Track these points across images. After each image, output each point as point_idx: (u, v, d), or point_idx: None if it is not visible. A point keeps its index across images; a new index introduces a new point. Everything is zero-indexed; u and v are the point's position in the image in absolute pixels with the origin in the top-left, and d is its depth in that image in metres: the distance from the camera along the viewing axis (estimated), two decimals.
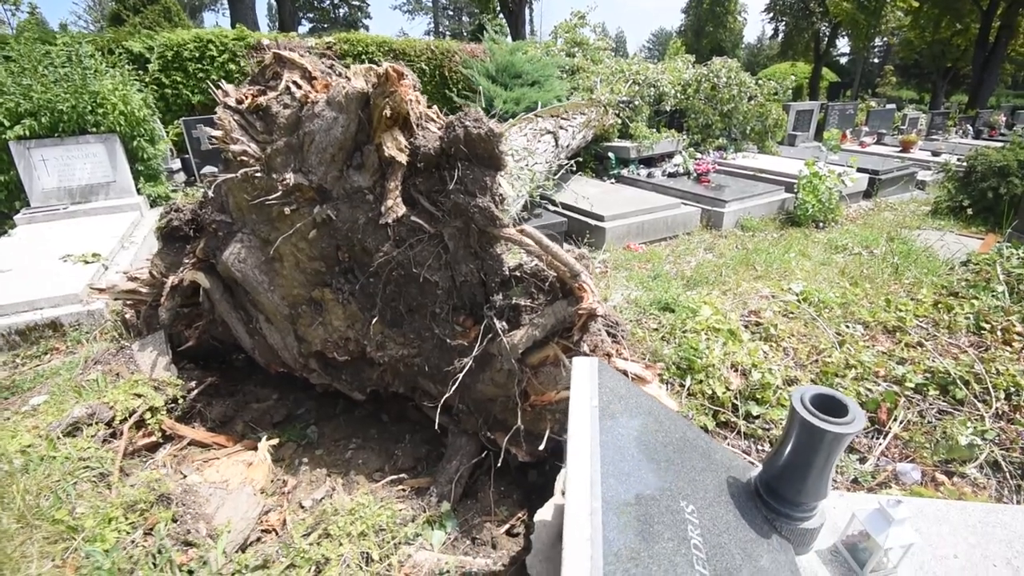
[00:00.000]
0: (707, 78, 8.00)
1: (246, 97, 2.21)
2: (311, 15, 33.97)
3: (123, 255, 4.28)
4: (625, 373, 1.94)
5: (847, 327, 2.91)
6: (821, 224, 5.83)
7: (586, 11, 9.85)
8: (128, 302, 3.13)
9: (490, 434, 2.34)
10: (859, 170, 6.91)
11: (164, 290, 2.65)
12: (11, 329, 3.19)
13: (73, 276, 3.61)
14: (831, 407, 1.28)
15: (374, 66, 2.01)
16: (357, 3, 32.96)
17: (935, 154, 9.37)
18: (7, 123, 4.78)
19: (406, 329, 2.27)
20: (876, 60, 30.56)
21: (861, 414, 1.27)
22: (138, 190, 5.56)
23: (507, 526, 2.11)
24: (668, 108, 8.08)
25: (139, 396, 2.35)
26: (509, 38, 23.79)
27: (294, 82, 2.17)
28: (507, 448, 2.32)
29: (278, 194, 2.12)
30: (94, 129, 5.16)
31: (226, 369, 3.19)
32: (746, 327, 2.83)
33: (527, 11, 19.85)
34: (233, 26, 8.84)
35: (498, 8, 20.15)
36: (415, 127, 2.01)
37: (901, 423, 2.28)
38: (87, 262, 3.87)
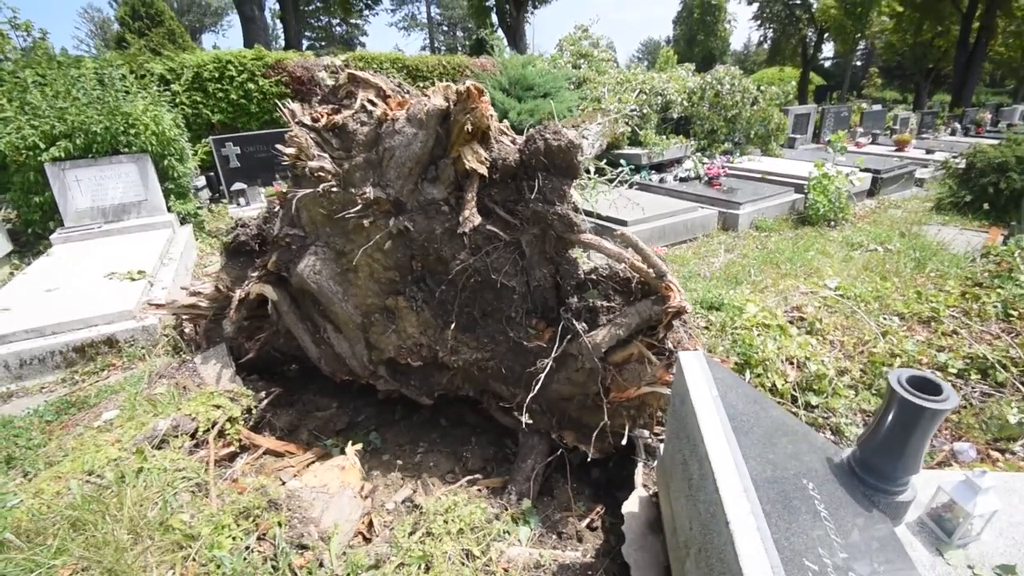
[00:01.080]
0: (711, 86, 8.21)
1: (321, 115, 2.32)
2: (309, 33, 34.31)
3: (164, 271, 4.35)
4: None
5: (884, 319, 3.04)
6: (832, 223, 5.99)
7: (588, 24, 10.07)
8: (186, 317, 3.21)
9: (561, 433, 2.43)
10: (862, 170, 7.11)
11: (232, 303, 2.73)
12: (68, 346, 3.26)
13: (123, 293, 3.68)
14: (925, 387, 1.39)
15: (452, 84, 2.13)
16: (355, 21, 33.34)
17: (929, 152, 9.61)
18: (43, 145, 4.87)
19: (479, 333, 2.37)
20: (859, 63, 31.25)
21: (953, 393, 1.39)
22: (168, 208, 5.64)
23: (587, 520, 2.20)
24: (675, 115, 8.27)
25: (218, 407, 2.43)
26: (507, 52, 24.21)
27: (369, 100, 2.29)
28: (576, 445, 2.42)
29: (358, 208, 2.22)
30: (126, 149, 5.25)
31: (278, 379, 3.26)
32: (791, 322, 2.95)
33: (524, 25, 20.17)
34: (246, 46, 8.98)
35: (496, 24, 20.49)
36: (492, 140, 2.12)
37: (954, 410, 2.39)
38: (133, 279, 3.95)
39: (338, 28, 36.77)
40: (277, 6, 17.69)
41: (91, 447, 2.25)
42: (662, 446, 1.88)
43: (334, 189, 2.31)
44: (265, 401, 2.72)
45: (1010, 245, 3.47)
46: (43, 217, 5.06)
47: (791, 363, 2.61)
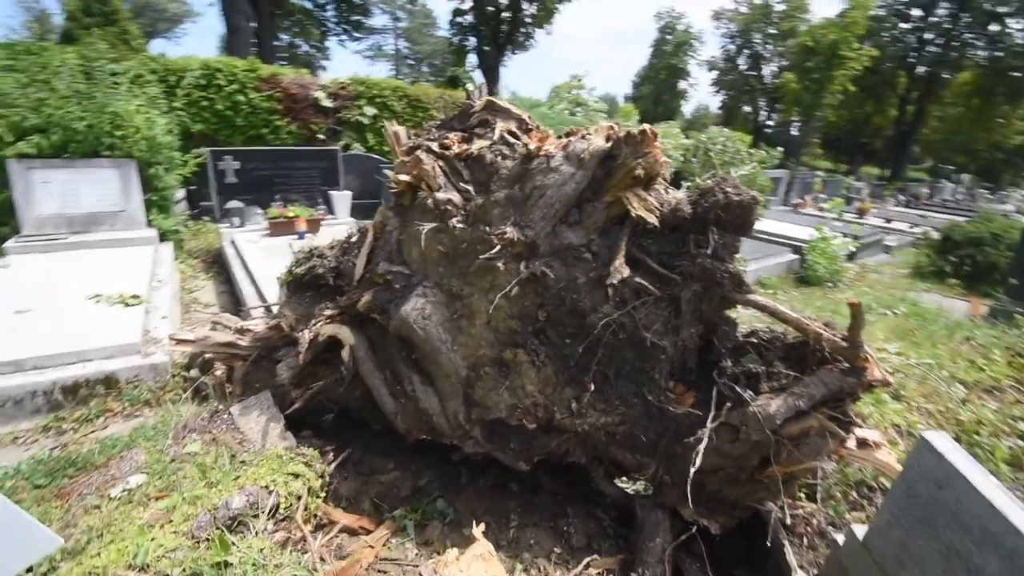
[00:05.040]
0: (704, 145, 8.61)
1: (453, 143, 2.07)
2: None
3: (156, 296, 3.76)
4: (865, 441, 1.91)
5: (947, 386, 3.09)
6: (831, 284, 6.28)
7: (582, 75, 10.38)
8: (221, 357, 2.73)
9: (681, 507, 2.20)
10: (841, 234, 7.61)
11: (302, 345, 2.32)
12: (55, 385, 2.67)
13: (121, 322, 3.11)
14: None
15: (615, 124, 1.96)
16: (316, 43, 32.78)
17: (888, 221, 10.53)
18: (9, 138, 4.17)
19: (610, 395, 2.13)
20: (795, 133, 34.67)
21: None
22: (148, 222, 4.99)
23: None
24: (669, 172, 8.56)
25: (295, 476, 2.00)
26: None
27: (510, 132, 2.07)
28: (696, 520, 2.20)
29: (495, 249, 1.96)
30: (108, 152, 4.62)
31: (323, 433, 2.82)
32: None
33: (500, 69, 20.69)
34: (235, 55, 8.45)
35: (476, 64, 20.88)
36: (658, 188, 1.95)
37: None
38: (127, 304, 3.36)
39: (301, 50, 36.03)
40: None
41: (130, 530, 1.77)
42: (859, 528, 1.70)
43: (459, 225, 2.04)
44: (333, 465, 2.30)
45: None
46: None
47: (898, 431, 2.55)
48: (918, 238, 8.23)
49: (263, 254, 4.86)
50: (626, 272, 1.97)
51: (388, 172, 2.20)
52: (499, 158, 2.02)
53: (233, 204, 5.28)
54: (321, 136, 8.57)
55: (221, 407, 2.55)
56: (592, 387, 2.06)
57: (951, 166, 29.44)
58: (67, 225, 4.60)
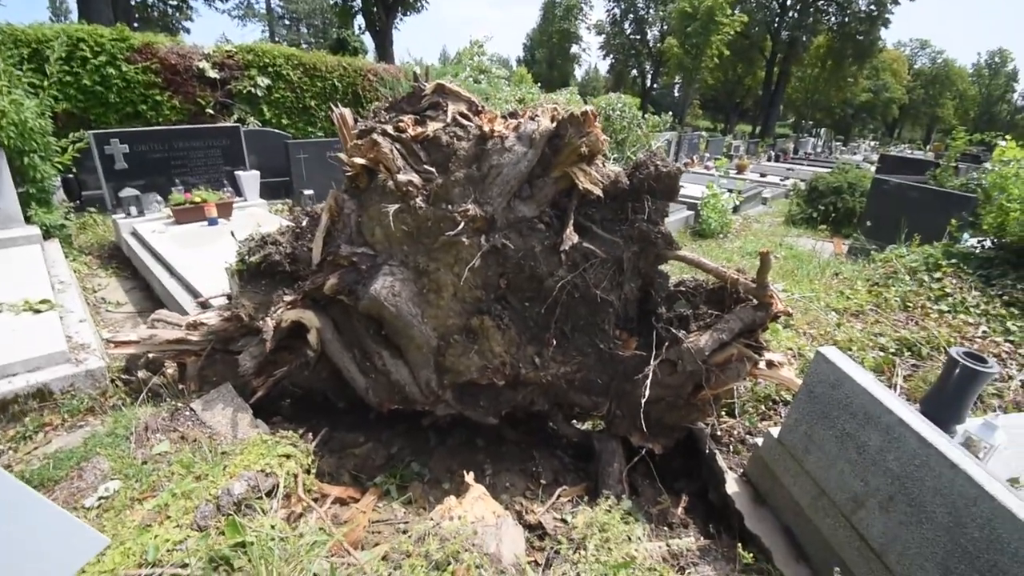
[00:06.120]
0: (604, 111, 9.06)
1: (408, 126, 2.17)
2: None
3: (65, 298, 3.44)
4: (771, 362, 2.38)
5: (824, 314, 3.78)
6: (721, 236, 7.10)
7: (483, 40, 10.33)
8: (170, 355, 2.64)
9: (631, 435, 2.59)
10: (728, 191, 8.54)
11: (266, 333, 2.34)
12: None
13: (41, 330, 2.86)
14: (975, 360, 1.88)
15: (558, 105, 2.17)
16: (175, 3, 28.71)
17: (763, 175, 11.88)
18: None
19: (567, 347, 2.42)
20: (677, 94, 37.15)
21: (995, 362, 1.90)
22: (27, 218, 4.41)
23: (680, 508, 2.38)
24: None
25: (287, 457, 2.09)
26: (371, 55, 23.34)
27: (462, 113, 2.20)
28: (642, 444, 2.60)
29: (459, 226, 2.12)
30: None
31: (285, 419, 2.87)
32: None
33: (392, 32, 19.70)
34: (82, 21, 7.32)
35: (363, 27, 19.64)
36: (598, 162, 2.21)
37: (902, 377, 3.11)
38: (37, 311, 3.07)
39: (155, 9, 31.50)
40: None
41: (125, 533, 1.79)
42: (774, 430, 2.16)
43: (420, 205, 2.17)
44: (314, 443, 2.39)
45: (887, 254, 4.58)
46: None
47: (791, 352, 3.13)
48: (788, 190, 9.45)
49: (175, 244, 4.53)
50: (576, 239, 2.23)
51: (340, 156, 2.24)
52: (454, 140, 2.16)
53: (128, 192, 4.79)
54: (210, 111, 7.86)
55: (180, 405, 2.50)
56: (553, 343, 2.33)
57: (811, 121, 33.38)
58: None
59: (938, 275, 4.07)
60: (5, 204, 4.25)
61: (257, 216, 5.55)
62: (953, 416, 1.97)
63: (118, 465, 2.19)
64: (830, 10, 31.06)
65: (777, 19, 31.66)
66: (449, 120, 2.18)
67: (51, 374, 2.62)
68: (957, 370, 1.89)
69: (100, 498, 2.04)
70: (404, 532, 2.11)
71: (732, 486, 2.29)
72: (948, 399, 1.95)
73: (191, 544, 1.71)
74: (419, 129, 2.17)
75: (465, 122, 2.19)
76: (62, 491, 2.14)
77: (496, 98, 9.11)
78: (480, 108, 2.26)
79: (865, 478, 1.67)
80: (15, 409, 2.52)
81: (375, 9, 19.22)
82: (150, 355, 2.72)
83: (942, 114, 45.94)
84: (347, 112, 2.35)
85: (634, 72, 34.59)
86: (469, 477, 2.11)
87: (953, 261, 4.15)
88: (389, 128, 2.16)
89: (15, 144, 4.15)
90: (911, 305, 3.83)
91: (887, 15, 29.86)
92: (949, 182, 6.69)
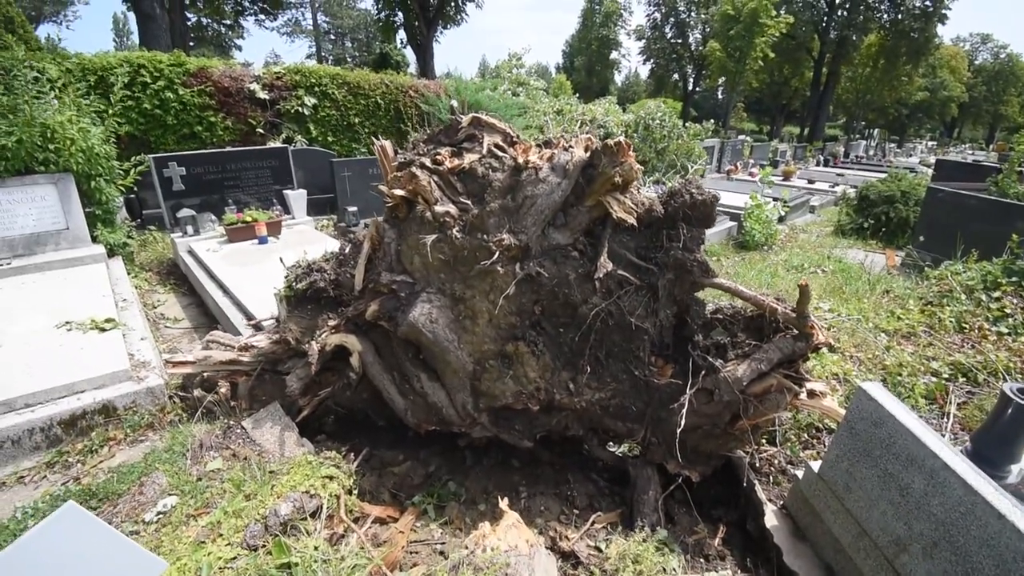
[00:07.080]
0: (643, 120, 8.99)
1: (445, 158, 2.23)
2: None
3: (128, 316, 3.69)
4: (813, 391, 2.31)
5: (877, 336, 3.62)
6: (767, 248, 6.89)
7: (522, 52, 10.45)
8: (223, 375, 2.80)
9: (667, 463, 2.55)
10: (774, 199, 8.28)
11: (311, 356, 2.45)
12: (52, 421, 2.65)
13: (106, 349, 3.08)
14: None
15: (591, 136, 2.19)
16: (229, 22, 30.42)
17: (811, 182, 11.45)
18: None
19: (602, 374, 2.42)
20: (720, 96, 36.37)
21: None
22: (94, 238, 4.76)
23: (718, 539, 2.33)
24: None
25: (330, 479, 2.17)
26: (412, 68, 23.92)
27: (497, 145, 2.25)
28: (679, 472, 2.56)
29: (496, 255, 2.16)
30: (42, 168, 4.35)
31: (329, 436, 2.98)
32: None
33: (433, 45, 20.17)
34: (144, 47, 7.87)
35: (404, 40, 20.20)
36: (632, 191, 2.21)
37: (956, 405, 2.94)
38: (103, 329, 3.31)
39: (210, 29, 33.44)
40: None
41: (181, 548, 1.90)
42: (815, 464, 2.09)
43: (457, 235, 2.23)
44: (355, 463, 2.47)
45: (942, 271, 4.34)
46: None
47: (837, 379, 3.01)
48: (838, 198, 9.08)
49: (226, 263, 4.79)
50: (610, 266, 2.24)
51: (381, 187, 2.33)
52: (490, 171, 2.21)
53: (185, 212, 5.11)
54: (260, 131, 8.26)
55: (232, 423, 2.64)
56: (587, 369, 2.34)
57: (863, 122, 32.00)
58: (8, 249, 4.33)
59: (997, 294, 3.82)
60: (75, 225, 4.60)
61: (305, 234, 5.78)
62: (1006, 455, 1.86)
63: (175, 481, 2.33)
64: (882, 7, 29.77)
65: (825, 18, 30.61)
66: (485, 152, 2.23)
67: (115, 391, 2.82)
68: (1010, 409, 1.79)
69: (159, 513, 2.18)
70: (441, 554, 2.16)
71: (771, 519, 2.23)
72: (1001, 437, 1.85)
73: (241, 563, 1.80)
74: (456, 161, 2.23)
75: (500, 153, 2.23)
76: (125, 504, 2.30)
77: (535, 110, 9.20)
78: (515, 139, 2.30)
79: (908, 521, 1.60)
80: (83, 424, 2.72)
81: (416, 23, 19.74)
82: (205, 374, 2.89)
83: (1006, 112, 43.19)
84: (388, 144, 2.44)
85: (675, 76, 34.13)
86: (504, 503, 2.14)
87: (1014, 279, 3.90)
88: (427, 160, 2.23)
89: (83, 169, 4.50)
90: (967, 326, 3.61)
91: (943, 11, 28.36)
92: (1012, 189, 6.27)
